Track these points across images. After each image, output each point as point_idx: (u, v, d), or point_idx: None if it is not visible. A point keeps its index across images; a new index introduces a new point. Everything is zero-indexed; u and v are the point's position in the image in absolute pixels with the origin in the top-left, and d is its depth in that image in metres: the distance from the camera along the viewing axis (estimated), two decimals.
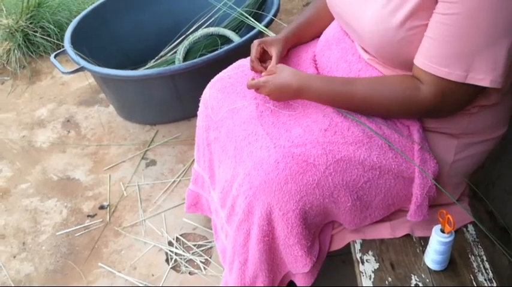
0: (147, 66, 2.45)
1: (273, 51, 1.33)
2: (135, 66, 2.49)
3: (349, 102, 1.15)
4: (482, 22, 0.92)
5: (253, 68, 1.34)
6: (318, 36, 1.39)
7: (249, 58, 1.44)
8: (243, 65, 1.42)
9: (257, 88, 1.24)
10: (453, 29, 0.94)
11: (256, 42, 1.36)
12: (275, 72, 1.21)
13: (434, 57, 0.99)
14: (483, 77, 0.96)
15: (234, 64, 1.46)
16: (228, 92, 1.35)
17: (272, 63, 1.30)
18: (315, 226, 1.22)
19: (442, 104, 1.03)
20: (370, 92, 1.11)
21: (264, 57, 1.37)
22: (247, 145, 1.21)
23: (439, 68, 0.98)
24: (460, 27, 0.94)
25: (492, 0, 0.90)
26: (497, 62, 0.95)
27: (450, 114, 1.09)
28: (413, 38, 1.01)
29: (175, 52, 2.45)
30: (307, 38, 1.43)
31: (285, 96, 1.22)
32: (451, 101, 1.03)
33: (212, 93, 1.40)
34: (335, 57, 1.23)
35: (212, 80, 1.45)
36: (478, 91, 1.01)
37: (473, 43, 0.94)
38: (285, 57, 1.38)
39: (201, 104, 1.47)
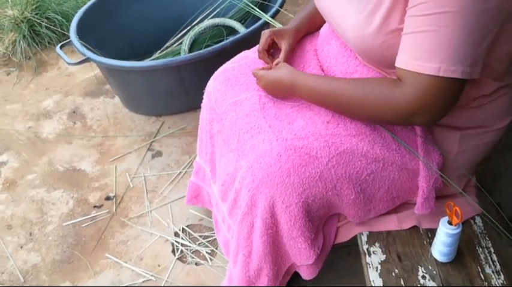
0: (152, 57, 2.45)
1: (283, 45, 1.32)
2: (140, 57, 2.48)
3: (335, 101, 1.11)
4: (449, 11, 0.88)
5: (260, 58, 1.34)
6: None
7: (253, 49, 1.44)
8: (246, 57, 1.41)
9: (256, 78, 1.27)
10: (421, 19, 0.91)
11: (266, 32, 1.35)
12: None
13: (407, 52, 0.95)
14: (454, 68, 0.90)
15: (238, 56, 1.45)
16: (231, 84, 1.35)
17: (280, 58, 1.30)
18: (319, 219, 1.21)
19: (423, 103, 0.95)
20: (351, 89, 1.06)
21: (272, 48, 1.36)
22: (250, 138, 1.20)
23: (412, 61, 0.94)
24: (428, 17, 0.90)
25: None
26: (466, 51, 0.90)
27: (434, 116, 0.98)
28: (393, 42, 0.98)
29: (181, 43, 2.44)
30: (318, 27, 1.40)
31: (278, 92, 1.23)
32: (431, 99, 0.95)
33: (216, 85, 1.39)
34: (334, 52, 1.23)
35: (216, 72, 1.44)
36: (457, 86, 0.94)
37: (442, 33, 0.89)
38: None
39: (204, 96, 1.46)
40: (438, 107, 0.96)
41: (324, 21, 1.37)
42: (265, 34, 1.35)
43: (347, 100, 1.08)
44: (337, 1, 1.13)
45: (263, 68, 1.29)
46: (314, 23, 1.39)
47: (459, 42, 0.89)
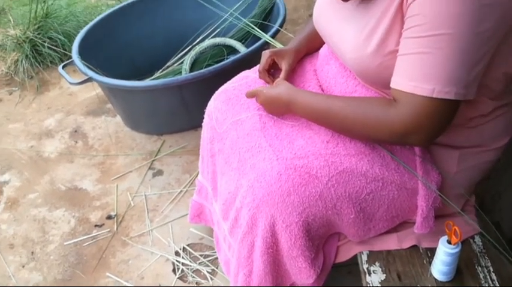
0: (153, 77, 2.47)
1: (283, 65, 1.34)
2: (142, 77, 2.51)
3: (331, 119, 1.11)
4: (444, 33, 0.89)
5: (260, 78, 1.37)
6: None
7: (253, 69, 1.45)
8: (247, 77, 1.43)
9: (252, 97, 1.29)
10: (416, 41, 0.92)
11: (267, 53, 1.37)
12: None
13: (402, 73, 0.96)
14: (448, 90, 0.91)
15: (238, 75, 1.47)
16: (232, 104, 1.36)
17: (280, 78, 1.32)
18: (319, 238, 1.22)
19: (417, 124, 0.96)
20: (346, 107, 1.07)
21: (272, 68, 1.39)
22: (251, 157, 1.21)
23: (407, 83, 0.94)
24: (423, 39, 0.91)
25: (453, 11, 0.88)
26: (461, 73, 0.91)
27: (429, 136, 0.99)
28: (390, 63, 1.00)
29: (182, 62, 2.47)
30: (318, 48, 1.42)
31: (275, 108, 1.24)
32: (425, 120, 0.95)
33: (216, 104, 1.41)
34: (333, 72, 1.24)
35: (216, 92, 1.46)
36: (451, 107, 0.94)
37: (436, 55, 0.90)
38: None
39: (205, 116, 1.48)
40: (432, 128, 0.97)
41: (323, 42, 1.39)
42: (265, 54, 1.37)
43: (343, 118, 1.09)
44: (336, 23, 1.15)
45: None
46: (314, 44, 1.41)
47: (454, 64, 0.90)
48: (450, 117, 0.97)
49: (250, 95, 1.29)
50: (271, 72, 1.40)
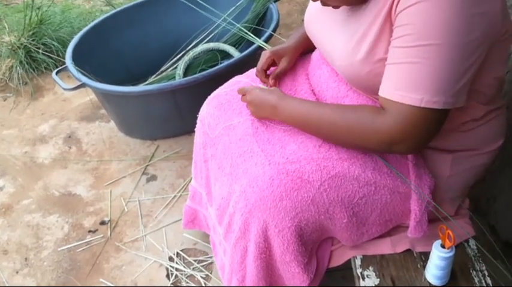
0: (147, 82, 2.47)
1: (281, 63, 1.36)
2: (136, 82, 2.51)
3: (317, 126, 1.12)
4: (433, 43, 0.89)
5: (258, 77, 1.37)
6: None
7: (245, 74, 1.46)
8: (239, 82, 1.43)
9: (243, 95, 1.28)
10: (402, 51, 0.93)
11: (267, 53, 1.38)
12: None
13: (390, 82, 0.96)
14: (436, 99, 0.91)
15: (231, 80, 1.47)
16: (224, 109, 1.36)
17: (275, 73, 1.34)
18: (312, 243, 1.21)
19: (403, 133, 0.96)
20: (335, 116, 1.07)
21: (271, 67, 1.39)
22: (243, 162, 1.21)
23: (394, 92, 0.95)
24: (410, 49, 0.91)
25: (442, 21, 0.88)
26: (450, 83, 0.91)
27: (416, 145, 0.99)
28: (379, 71, 1.00)
29: (176, 67, 2.47)
30: (314, 47, 1.41)
31: (260, 110, 1.23)
32: (412, 129, 0.96)
33: (209, 110, 1.41)
34: (325, 76, 1.24)
35: (209, 97, 1.46)
36: (439, 116, 0.95)
37: (425, 65, 0.90)
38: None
39: (198, 121, 1.48)
40: (419, 137, 0.97)
41: None
42: (265, 54, 1.38)
43: (328, 126, 1.09)
44: (326, 30, 1.15)
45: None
46: (310, 43, 1.39)
47: (442, 74, 0.90)
48: (438, 126, 0.97)
49: (242, 91, 1.29)
50: (268, 71, 1.40)
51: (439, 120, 0.96)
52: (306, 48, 1.42)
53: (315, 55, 1.33)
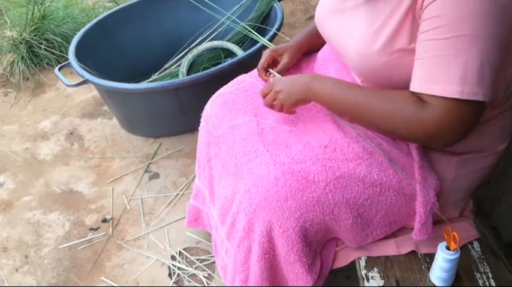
0: (150, 79, 2.46)
1: (283, 59, 1.34)
2: (139, 79, 2.50)
3: (354, 108, 1.08)
4: (467, 34, 0.89)
5: (258, 75, 1.35)
6: None
7: (250, 73, 1.45)
8: (243, 81, 1.42)
9: (269, 91, 1.21)
10: (440, 43, 0.92)
11: (267, 52, 1.37)
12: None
13: (427, 77, 0.95)
14: (477, 90, 0.91)
15: (235, 80, 1.46)
16: (228, 108, 1.36)
17: (276, 69, 1.32)
18: (316, 243, 1.21)
19: (447, 126, 0.95)
20: (375, 100, 1.04)
21: (273, 66, 1.38)
22: (247, 162, 1.20)
23: (433, 85, 0.94)
24: (446, 41, 0.91)
25: (475, 12, 0.87)
26: (486, 74, 0.90)
27: (457, 137, 0.98)
28: (396, 62, 1.00)
29: (179, 65, 2.46)
30: (318, 47, 1.41)
31: (292, 94, 1.17)
32: (456, 123, 0.95)
33: (213, 109, 1.40)
34: (331, 75, 1.23)
35: (213, 96, 1.45)
36: (478, 108, 0.94)
37: (462, 55, 0.90)
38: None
39: (202, 120, 1.47)
40: (459, 130, 0.96)
41: (323, 43, 1.38)
42: (266, 53, 1.37)
43: (365, 111, 1.05)
44: (340, 20, 1.14)
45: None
46: (315, 42, 1.40)
47: (480, 65, 0.89)
48: (476, 119, 0.97)
49: (265, 91, 1.24)
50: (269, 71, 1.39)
51: (478, 114, 0.96)
52: (310, 47, 1.41)
53: (321, 54, 1.33)
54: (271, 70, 1.37)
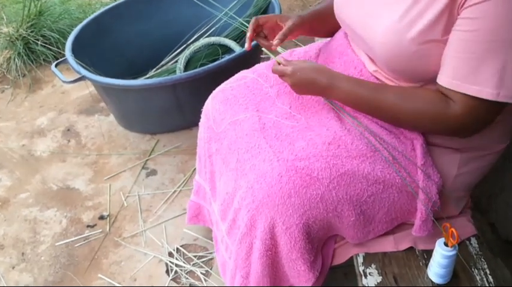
0: (147, 76, 2.45)
1: (287, 24, 1.27)
2: (136, 75, 2.49)
3: (376, 109, 1.11)
4: (506, 37, 0.91)
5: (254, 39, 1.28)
6: (329, 35, 1.38)
7: (251, 69, 1.44)
8: (245, 77, 1.41)
9: (281, 75, 1.19)
10: (479, 45, 0.93)
11: (254, 18, 1.29)
12: (292, 63, 1.16)
13: (461, 76, 0.97)
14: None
15: (236, 75, 1.45)
16: (230, 104, 1.35)
17: (280, 34, 1.24)
18: (318, 240, 1.21)
19: (470, 122, 1.02)
20: (399, 102, 1.07)
21: (274, 35, 1.29)
22: (250, 158, 1.20)
23: (469, 86, 0.96)
24: (486, 43, 0.93)
25: None
26: None
27: (475, 133, 1.06)
28: (425, 53, 1.00)
29: (177, 61, 2.45)
30: (320, 31, 1.39)
31: (311, 91, 1.18)
32: (479, 119, 1.01)
33: (214, 104, 1.39)
34: (338, 70, 1.21)
35: (214, 91, 1.44)
36: (503, 108, 1.00)
37: (500, 59, 0.93)
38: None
39: (202, 115, 1.46)
40: (482, 125, 1.04)
41: (326, 30, 1.35)
42: (253, 20, 1.29)
43: (391, 112, 1.09)
44: (367, 6, 1.11)
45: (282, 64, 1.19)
46: (316, 25, 1.35)
47: None
48: (497, 116, 1.03)
49: (277, 72, 1.19)
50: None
51: (498, 113, 1.02)
52: (312, 28, 1.35)
53: (326, 50, 1.31)
54: (275, 58, 1.25)
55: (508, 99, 0.95)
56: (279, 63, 1.19)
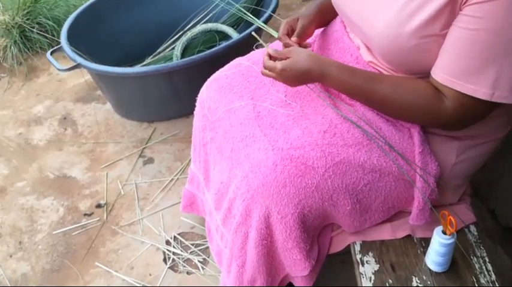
0: (144, 63, 2.43)
1: (298, 24, 1.26)
2: (133, 63, 2.47)
3: (368, 99, 1.10)
4: (506, 40, 0.90)
5: (285, 45, 1.25)
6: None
7: (246, 56, 1.43)
8: (240, 64, 1.39)
9: (272, 77, 1.16)
10: (478, 45, 0.92)
11: (285, 21, 1.28)
12: (289, 57, 1.12)
13: (458, 74, 0.96)
14: (507, 94, 0.95)
15: (231, 63, 1.44)
16: (224, 92, 1.33)
17: (294, 34, 1.23)
18: (314, 229, 1.20)
19: (462, 119, 1.02)
20: (391, 94, 1.06)
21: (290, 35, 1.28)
22: (245, 147, 1.19)
23: (464, 84, 0.96)
24: (486, 44, 0.92)
25: None
26: None
27: (465, 127, 1.07)
28: (424, 47, 0.99)
29: (174, 48, 2.43)
30: (326, 23, 1.35)
31: (304, 82, 1.16)
32: (470, 116, 1.02)
33: (209, 93, 1.38)
34: (333, 57, 1.20)
35: (209, 80, 1.42)
36: (495, 107, 1.00)
37: (498, 60, 0.92)
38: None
39: (197, 104, 1.45)
40: (475, 121, 1.05)
41: (328, 22, 1.33)
42: (284, 23, 1.28)
43: (383, 99, 1.08)
44: None
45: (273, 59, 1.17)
46: (323, 19, 1.33)
47: (511, 72, 0.93)
48: (490, 112, 1.04)
49: (266, 75, 1.17)
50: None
51: (492, 110, 1.02)
52: (320, 22, 1.32)
53: (322, 38, 1.29)
54: (265, 45, 1.25)
55: (501, 100, 0.95)
56: (270, 57, 1.16)
